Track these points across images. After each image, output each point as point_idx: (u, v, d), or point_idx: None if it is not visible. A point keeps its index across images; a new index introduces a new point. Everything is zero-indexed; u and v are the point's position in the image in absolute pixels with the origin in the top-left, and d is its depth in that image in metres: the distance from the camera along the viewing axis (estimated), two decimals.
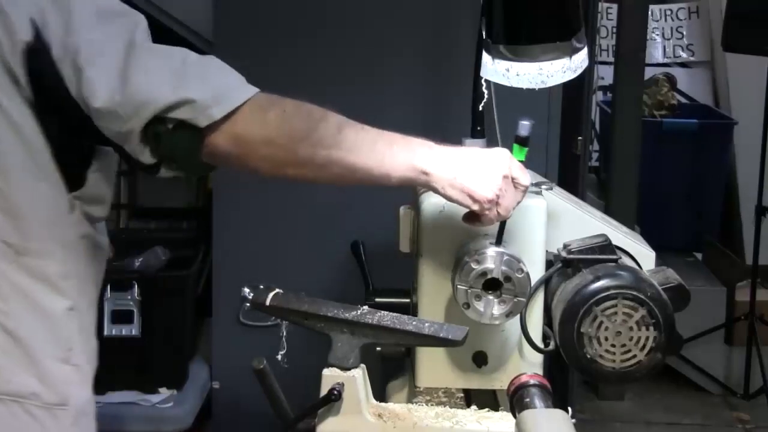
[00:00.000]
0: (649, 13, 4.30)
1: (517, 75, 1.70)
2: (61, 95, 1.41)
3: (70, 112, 1.42)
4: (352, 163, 1.48)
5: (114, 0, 1.47)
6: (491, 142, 1.93)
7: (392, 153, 1.49)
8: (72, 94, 1.41)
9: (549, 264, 1.69)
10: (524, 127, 1.57)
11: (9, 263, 1.47)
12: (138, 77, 1.40)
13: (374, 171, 1.49)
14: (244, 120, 1.43)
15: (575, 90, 3.14)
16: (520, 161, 1.56)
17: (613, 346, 1.54)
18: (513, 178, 1.53)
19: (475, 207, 1.52)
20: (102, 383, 1.64)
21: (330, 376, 1.52)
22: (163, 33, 3.39)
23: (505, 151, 1.55)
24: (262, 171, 1.48)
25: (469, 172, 1.51)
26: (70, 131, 1.46)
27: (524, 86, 1.71)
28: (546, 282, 1.68)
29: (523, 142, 1.57)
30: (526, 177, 1.54)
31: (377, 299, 1.81)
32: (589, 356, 1.55)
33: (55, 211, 1.49)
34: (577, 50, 1.68)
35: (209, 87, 1.42)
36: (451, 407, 1.65)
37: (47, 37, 1.41)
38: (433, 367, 1.73)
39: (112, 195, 1.58)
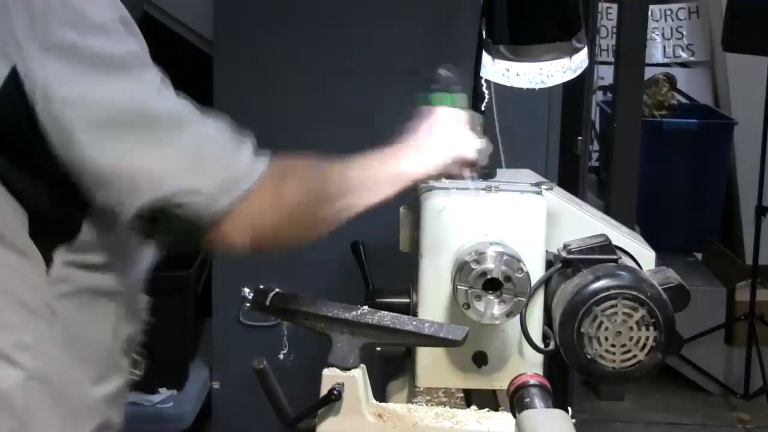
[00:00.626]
0: (649, 13, 4.30)
1: (517, 75, 1.70)
2: (31, 152, 1.31)
3: (48, 170, 1.32)
4: (361, 205, 1.48)
5: (121, 43, 1.34)
6: (491, 142, 1.93)
7: (389, 180, 1.50)
8: (57, 153, 1.30)
9: (549, 264, 1.69)
10: (442, 76, 1.68)
11: None
12: (140, 153, 1.31)
13: (378, 201, 1.50)
14: (253, 205, 1.36)
15: (575, 90, 3.14)
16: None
17: (613, 346, 1.54)
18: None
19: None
20: None
21: (330, 376, 1.52)
22: (163, 33, 3.40)
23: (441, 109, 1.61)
24: (280, 246, 1.46)
25: (445, 146, 1.55)
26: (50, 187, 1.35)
27: (524, 86, 1.71)
28: (546, 282, 1.68)
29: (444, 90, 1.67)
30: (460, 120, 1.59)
31: (377, 299, 1.81)
32: (589, 356, 1.54)
33: (14, 278, 1.37)
34: (577, 50, 1.68)
35: (217, 171, 1.34)
36: (451, 407, 1.65)
37: (29, 87, 1.29)
38: (433, 367, 1.73)
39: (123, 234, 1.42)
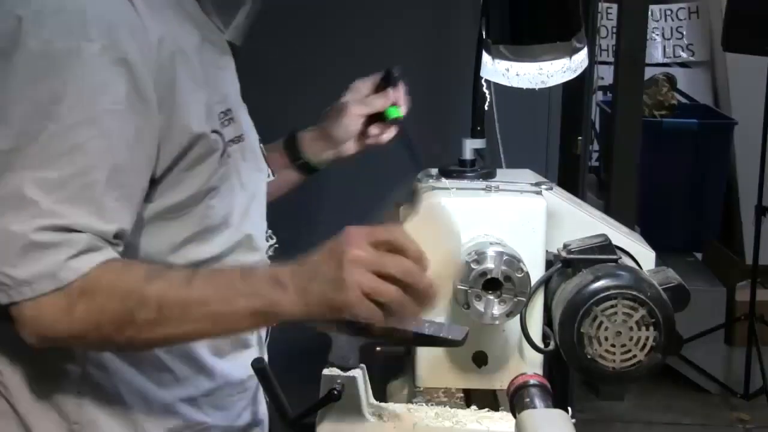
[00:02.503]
0: (649, 13, 4.30)
1: (517, 75, 1.70)
2: None
3: None
4: (183, 333, 1.33)
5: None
6: (491, 142, 1.93)
7: (232, 305, 1.30)
8: None
9: (549, 264, 1.69)
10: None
11: None
12: None
13: (215, 329, 1.34)
14: (37, 317, 1.28)
15: (575, 90, 3.14)
16: (397, 118, 1.69)
17: (613, 346, 1.54)
18: (387, 244, 1.27)
19: (344, 316, 1.29)
20: None
21: (330, 376, 1.52)
22: None
23: (350, 229, 1.31)
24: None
25: (314, 277, 1.29)
26: None
27: (524, 86, 1.71)
28: (546, 282, 1.68)
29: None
30: (400, 233, 1.29)
31: None
32: (589, 356, 1.54)
33: None
34: (577, 50, 1.68)
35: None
36: (451, 407, 1.65)
37: None
38: (433, 367, 1.73)
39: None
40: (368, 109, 1.80)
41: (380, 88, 1.81)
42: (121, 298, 1.29)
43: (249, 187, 1.54)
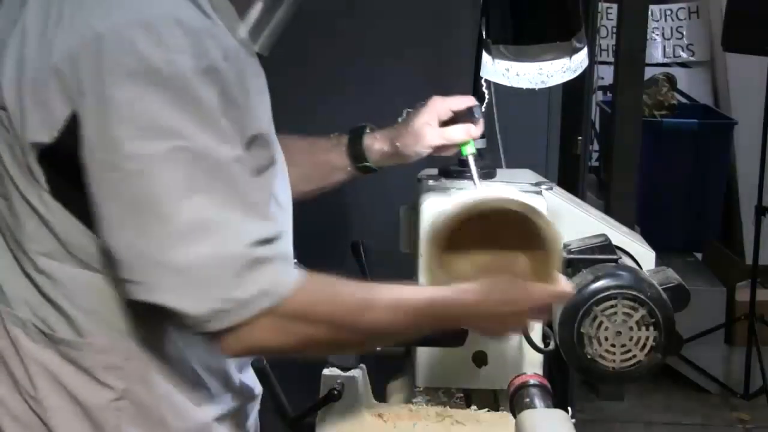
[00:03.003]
0: (649, 13, 4.30)
1: (517, 75, 1.70)
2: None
3: None
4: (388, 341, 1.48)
5: (184, 120, 1.21)
6: (491, 142, 1.93)
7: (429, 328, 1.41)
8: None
9: None
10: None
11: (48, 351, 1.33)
12: (141, 249, 1.21)
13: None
14: (251, 334, 1.25)
15: (575, 90, 3.14)
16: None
17: (613, 346, 1.54)
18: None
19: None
20: None
21: (330, 376, 1.53)
22: None
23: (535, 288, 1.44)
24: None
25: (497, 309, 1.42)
26: None
27: (524, 86, 1.71)
28: None
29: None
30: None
31: None
32: (589, 356, 1.55)
33: (102, 299, 1.32)
34: (577, 50, 1.68)
35: (210, 299, 1.21)
36: (451, 407, 1.65)
37: (81, 135, 1.21)
38: (433, 367, 1.73)
39: None
40: (445, 142, 1.72)
41: (460, 115, 1.74)
42: (333, 321, 1.30)
43: (284, 205, 1.47)
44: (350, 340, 1.35)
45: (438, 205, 1.68)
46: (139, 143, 1.19)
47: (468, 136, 1.71)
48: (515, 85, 1.72)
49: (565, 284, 1.46)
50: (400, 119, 1.79)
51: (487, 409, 1.65)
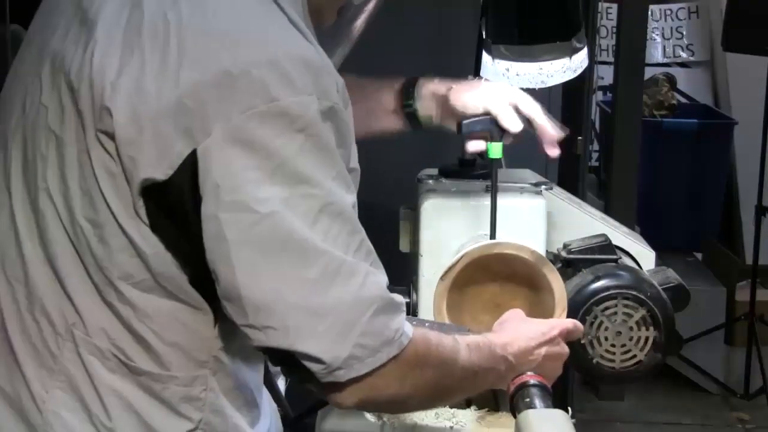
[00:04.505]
0: (649, 13, 4.30)
1: (517, 75, 1.70)
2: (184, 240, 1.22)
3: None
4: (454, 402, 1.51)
5: (318, 161, 1.19)
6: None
7: (488, 377, 1.40)
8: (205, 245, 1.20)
9: None
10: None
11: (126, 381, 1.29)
12: (283, 294, 1.19)
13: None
14: (373, 383, 1.23)
15: (575, 90, 3.14)
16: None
17: (613, 346, 1.54)
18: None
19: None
20: None
21: None
22: None
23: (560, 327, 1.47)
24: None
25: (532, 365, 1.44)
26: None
27: (524, 86, 1.71)
28: None
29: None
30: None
31: None
32: (589, 356, 1.55)
33: (183, 330, 1.29)
34: (577, 50, 1.68)
35: (348, 345, 1.19)
36: (451, 407, 1.65)
37: (203, 177, 1.17)
38: None
39: None
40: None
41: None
42: (442, 368, 1.30)
43: None
44: (451, 386, 1.34)
45: (438, 205, 1.68)
46: (271, 187, 1.17)
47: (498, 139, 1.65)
48: (515, 85, 1.72)
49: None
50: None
51: (487, 409, 1.65)
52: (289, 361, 1.21)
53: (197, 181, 1.18)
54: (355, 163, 1.30)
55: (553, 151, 1.67)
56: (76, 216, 1.26)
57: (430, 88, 1.73)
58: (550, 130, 1.66)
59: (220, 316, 1.28)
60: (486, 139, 1.64)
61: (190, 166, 1.18)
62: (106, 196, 1.23)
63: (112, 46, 1.24)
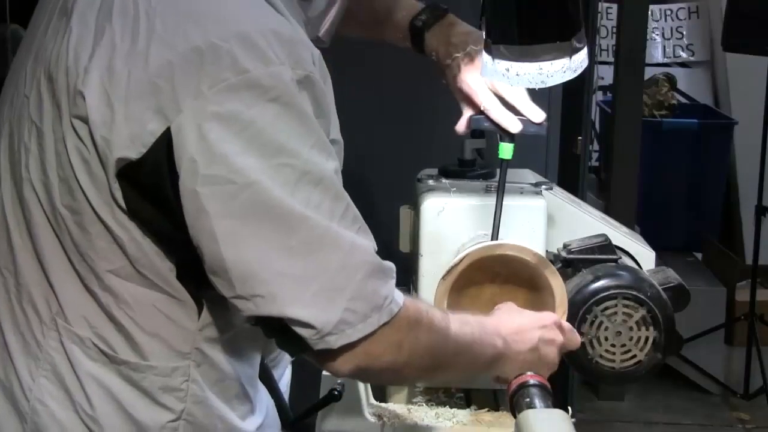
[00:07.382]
0: (649, 13, 4.30)
1: (517, 75, 1.70)
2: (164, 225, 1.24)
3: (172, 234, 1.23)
4: (454, 379, 1.52)
5: (292, 127, 1.19)
6: (491, 142, 1.93)
7: (484, 352, 1.40)
8: (188, 223, 1.20)
9: None
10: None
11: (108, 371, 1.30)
12: (269, 263, 1.18)
13: (468, 374, 1.49)
14: (367, 350, 1.24)
15: (575, 90, 3.14)
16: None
17: (613, 346, 1.54)
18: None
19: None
20: None
21: (330, 376, 1.52)
22: None
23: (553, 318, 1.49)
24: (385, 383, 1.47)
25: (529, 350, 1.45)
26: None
27: (524, 86, 1.71)
28: None
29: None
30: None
31: None
32: (589, 356, 1.55)
33: (165, 321, 1.30)
34: (577, 50, 1.67)
35: (339, 310, 1.20)
36: (451, 407, 1.65)
37: (178, 154, 1.17)
38: None
39: None
40: (475, 100, 1.72)
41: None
42: (436, 334, 1.30)
43: None
44: (446, 356, 1.33)
45: (438, 205, 1.68)
46: (247, 158, 1.17)
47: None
48: (515, 85, 1.71)
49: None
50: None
51: (487, 409, 1.65)
52: (281, 330, 1.22)
53: (173, 158, 1.18)
54: (336, 134, 1.30)
55: (539, 116, 1.67)
56: (56, 204, 1.27)
57: (433, 41, 1.83)
58: (533, 106, 1.69)
59: (205, 309, 1.29)
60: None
61: (165, 144, 1.18)
62: (81, 183, 1.24)
63: (86, 31, 1.25)
